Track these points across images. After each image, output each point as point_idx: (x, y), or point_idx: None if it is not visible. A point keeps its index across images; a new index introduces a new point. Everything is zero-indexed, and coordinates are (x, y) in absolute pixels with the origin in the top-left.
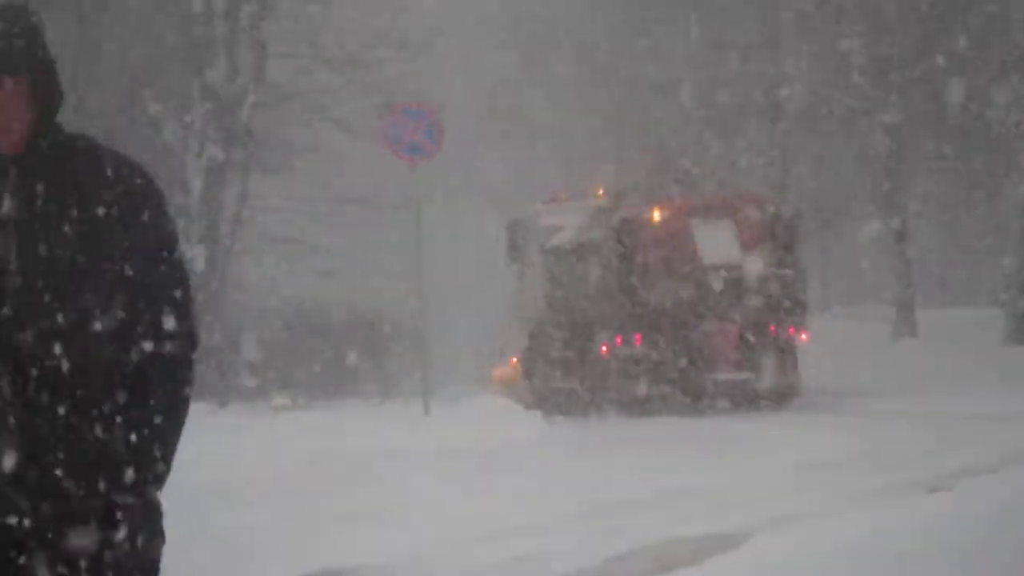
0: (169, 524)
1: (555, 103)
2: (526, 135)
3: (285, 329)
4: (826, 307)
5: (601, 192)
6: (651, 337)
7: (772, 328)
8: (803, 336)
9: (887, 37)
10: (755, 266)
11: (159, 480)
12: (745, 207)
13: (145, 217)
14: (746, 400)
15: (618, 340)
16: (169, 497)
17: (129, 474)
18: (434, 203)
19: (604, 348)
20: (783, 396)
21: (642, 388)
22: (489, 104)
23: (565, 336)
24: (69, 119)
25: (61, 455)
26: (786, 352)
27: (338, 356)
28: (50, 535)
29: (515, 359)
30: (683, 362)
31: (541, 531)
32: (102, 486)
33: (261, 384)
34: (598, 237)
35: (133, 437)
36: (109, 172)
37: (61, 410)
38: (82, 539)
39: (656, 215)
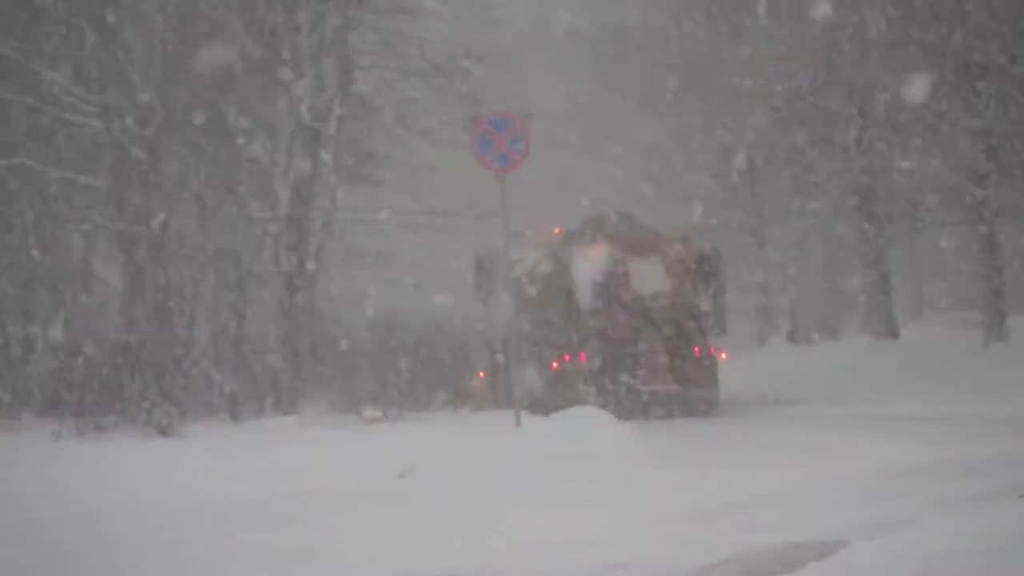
0: (263, 534)
1: (643, 113)
2: (614, 145)
3: (375, 342)
4: (917, 314)
5: (557, 231)
6: (593, 355)
7: (695, 348)
8: (723, 355)
9: (978, 41)
10: (680, 295)
11: None
12: (673, 245)
13: None
14: (674, 408)
15: (566, 357)
16: (263, 507)
17: None
18: (523, 213)
19: (554, 364)
20: (706, 405)
21: (586, 398)
22: (577, 114)
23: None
24: (158, 135)
25: None
26: (707, 368)
27: (427, 369)
28: None
29: (482, 373)
30: (620, 376)
31: (628, 539)
32: None
33: (351, 397)
34: (551, 270)
35: None
36: None
37: None
38: None
39: (596, 251)
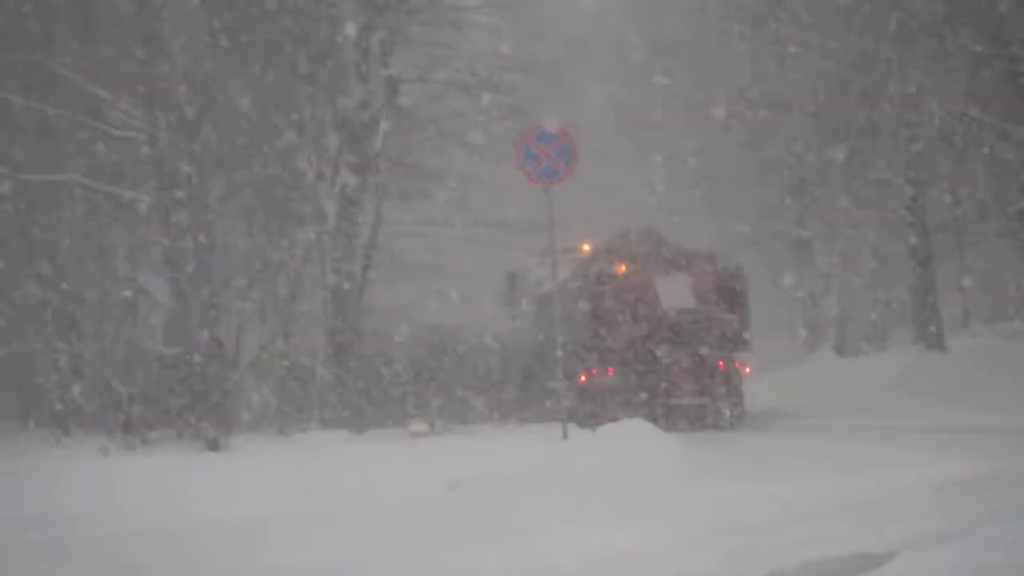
0: (311, 546)
1: (689, 125)
2: (660, 157)
3: (421, 355)
4: (965, 325)
5: (586, 248)
6: (620, 369)
7: (720, 363)
8: (747, 370)
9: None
10: (705, 311)
11: None
12: (698, 262)
13: None
14: (699, 422)
15: (594, 371)
16: (309, 522)
17: None
18: (569, 226)
19: (582, 378)
20: (731, 418)
21: (614, 411)
22: (623, 127)
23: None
24: (203, 150)
25: None
26: (732, 382)
27: (475, 382)
28: None
29: None
30: (646, 390)
31: (675, 554)
32: None
33: (398, 411)
34: (579, 286)
35: None
36: None
37: None
38: None
39: (623, 268)
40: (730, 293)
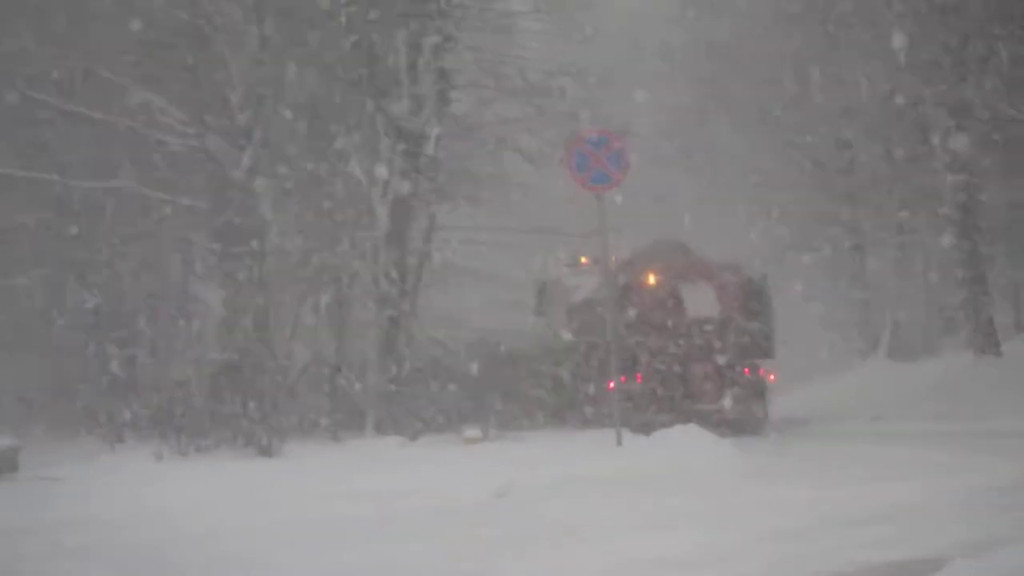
0: (359, 551)
1: (740, 130)
2: (712, 163)
3: (473, 360)
4: (1020, 329)
5: (613, 259)
6: (647, 376)
7: (745, 369)
8: (771, 377)
9: None
10: (730, 320)
11: None
12: (723, 272)
13: None
14: (721, 426)
15: (622, 379)
16: (361, 525)
17: None
18: (621, 232)
19: (611, 385)
20: (755, 424)
21: (640, 416)
22: (673, 131)
23: (581, 375)
24: (256, 157)
25: None
26: (756, 388)
27: (528, 387)
28: None
29: None
30: (673, 395)
31: (728, 559)
32: None
33: (451, 417)
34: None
35: None
36: None
37: None
38: None
39: (651, 278)
40: (754, 303)
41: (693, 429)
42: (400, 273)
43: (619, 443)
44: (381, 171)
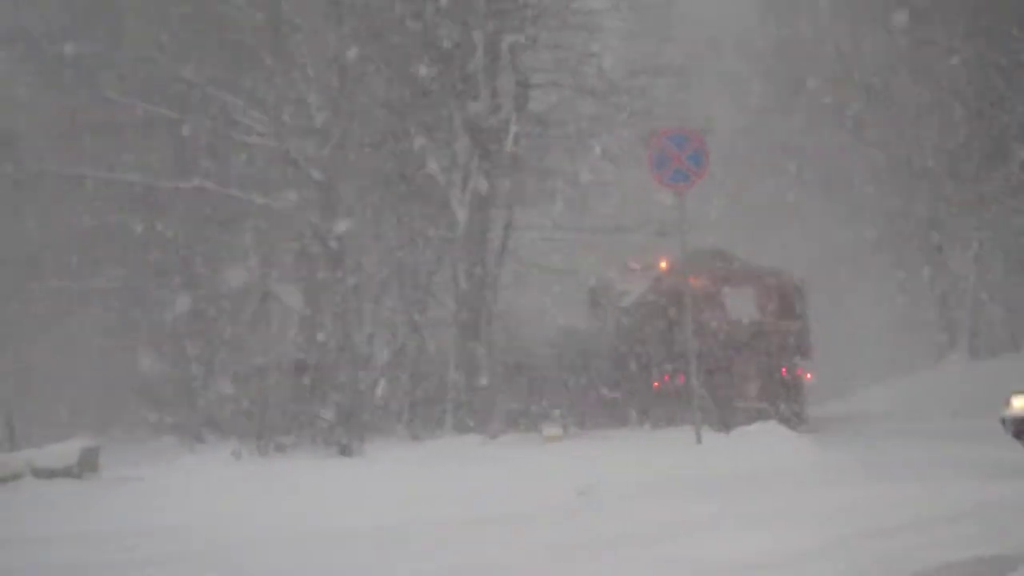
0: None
1: (818, 129)
2: (790, 161)
3: (554, 358)
4: None
5: (664, 264)
6: (690, 375)
7: (783, 369)
8: (808, 376)
9: None
10: (769, 322)
11: None
12: (764, 277)
13: None
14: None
15: (666, 377)
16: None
17: None
18: (700, 230)
19: (656, 383)
20: (793, 420)
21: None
22: (753, 130)
23: (631, 374)
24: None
25: None
26: (794, 388)
27: (608, 386)
28: None
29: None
30: (716, 393)
31: (812, 559)
32: None
33: (531, 414)
34: (655, 299)
35: None
36: None
37: None
38: None
39: (695, 283)
40: (793, 305)
41: (773, 427)
42: (479, 272)
43: (699, 441)
44: (459, 170)
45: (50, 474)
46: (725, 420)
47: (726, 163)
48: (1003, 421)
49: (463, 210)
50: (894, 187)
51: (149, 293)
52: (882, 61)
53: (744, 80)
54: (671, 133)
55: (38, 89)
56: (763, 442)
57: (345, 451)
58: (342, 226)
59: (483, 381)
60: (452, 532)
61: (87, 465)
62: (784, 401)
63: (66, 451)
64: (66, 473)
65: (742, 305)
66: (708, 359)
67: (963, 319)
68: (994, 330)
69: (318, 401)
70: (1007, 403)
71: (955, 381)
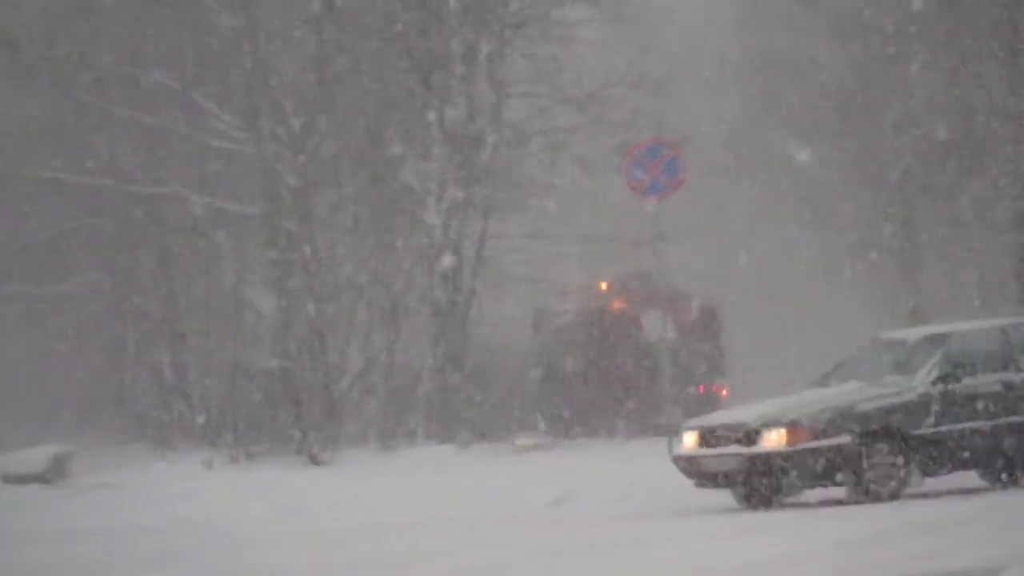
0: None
1: (796, 139)
2: (767, 171)
3: (527, 368)
4: None
5: (603, 287)
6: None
7: (700, 387)
8: (724, 393)
9: None
10: (684, 342)
11: None
12: (680, 300)
13: None
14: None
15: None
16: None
17: None
18: (675, 239)
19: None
20: None
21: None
22: (729, 141)
23: (561, 385)
24: (310, 162)
25: None
26: (709, 403)
27: (582, 396)
28: None
29: None
30: (636, 409)
31: (787, 568)
32: None
33: (505, 424)
34: (583, 320)
35: None
36: None
37: None
38: None
39: (616, 306)
40: (706, 327)
41: None
42: (454, 281)
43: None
44: (435, 179)
45: (21, 479)
46: (651, 433)
47: (703, 172)
48: (675, 460)
49: (438, 219)
50: (868, 200)
51: (122, 299)
52: (858, 74)
53: (722, 90)
54: (647, 144)
55: (12, 91)
56: None
57: (316, 460)
58: (316, 234)
59: (456, 391)
60: (419, 537)
61: (58, 471)
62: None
63: (37, 457)
64: (37, 479)
65: (658, 326)
66: (625, 377)
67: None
68: None
69: (290, 410)
70: (680, 439)
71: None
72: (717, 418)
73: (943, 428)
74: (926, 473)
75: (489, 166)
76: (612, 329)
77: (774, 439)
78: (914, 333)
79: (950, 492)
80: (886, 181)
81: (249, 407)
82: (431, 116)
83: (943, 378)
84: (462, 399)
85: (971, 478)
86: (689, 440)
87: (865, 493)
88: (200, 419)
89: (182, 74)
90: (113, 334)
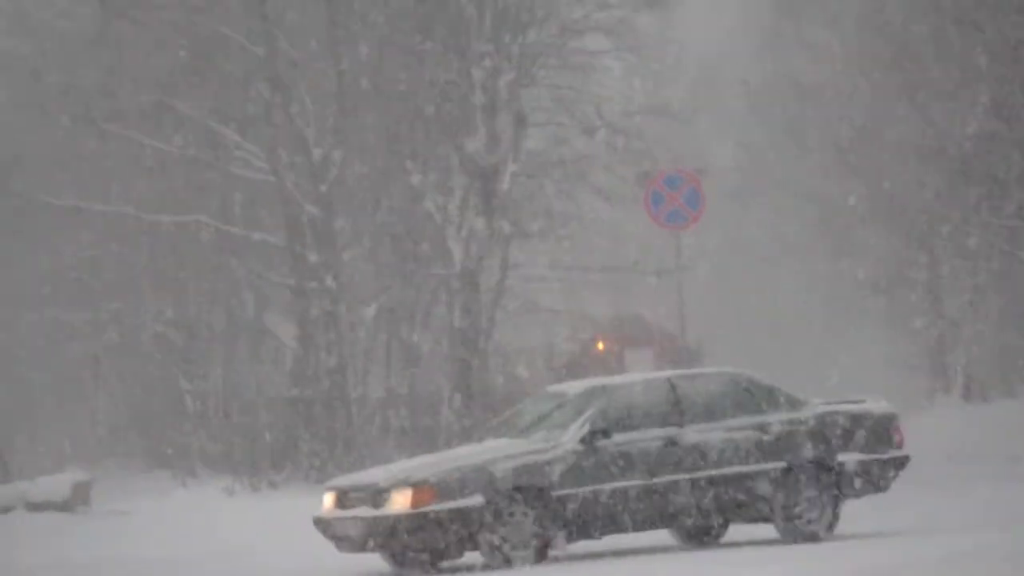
0: None
1: (815, 168)
2: (787, 199)
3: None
4: None
5: (600, 345)
6: None
7: None
8: None
9: None
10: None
11: None
12: (662, 340)
13: None
14: None
15: None
16: None
17: None
18: (696, 269)
19: None
20: None
21: None
22: (750, 168)
23: None
24: (332, 191)
25: None
26: None
27: None
28: None
29: None
30: None
31: None
32: None
33: None
34: (579, 359)
35: None
36: None
37: None
38: None
39: (600, 345)
40: (685, 364)
41: None
42: (475, 310)
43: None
44: (455, 208)
45: (42, 507)
46: None
47: (723, 200)
48: (314, 522)
49: (459, 247)
50: (889, 229)
51: (145, 327)
52: (878, 102)
53: (742, 118)
54: (667, 174)
55: (34, 120)
56: None
57: None
58: (338, 262)
59: (478, 419)
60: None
61: (79, 498)
62: None
63: (58, 484)
64: (58, 506)
65: (639, 364)
66: None
67: (957, 362)
68: (988, 373)
69: (311, 438)
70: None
71: (949, 424)
72: (356, 478)
73: (591, 488)
74: (573, 537)
75: (509, 195)
76: (597, 366)
77: (400, 501)
78: (576, 386)
79: (603, 555)
80: (907, 210)
81: (271, 435)
82: (452, 145)
83: (593, 434)
84: (483, 427)
85: (642, 539)
86: (327, 500)
87: (499, 562)
88: (221, 447)
89: (203, 103)
90: (135, 362)
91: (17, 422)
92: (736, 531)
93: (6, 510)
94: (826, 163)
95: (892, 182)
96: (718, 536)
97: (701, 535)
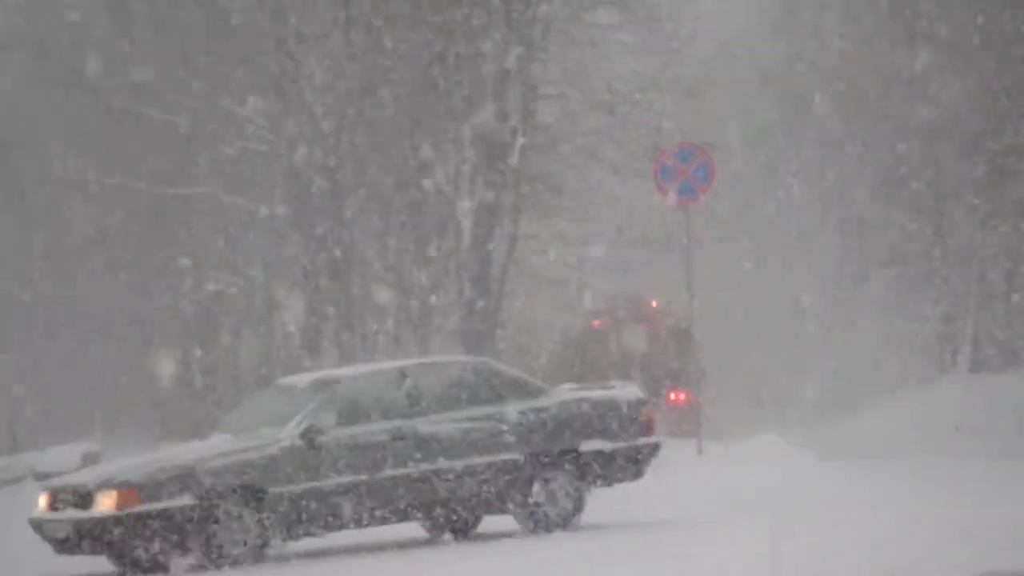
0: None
1: (824, 145)
2: (795, 176)
3: (559, 371)
4: None
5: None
6: None
7: (668, 394)
8: (702, 402)
9: None
10: (658, 353)
11: None
12: (656, 320)
13: None
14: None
15: None
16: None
17: None
18: (705, 244)
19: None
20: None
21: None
22: (760, 144)
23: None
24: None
25: None
26: (683, 411)
27: None
28: None
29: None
30: None
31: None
32: None
33: None
34: (577, 336)
35: None
36: None
37: None
38: None
39: (596, 323)
40: (678, 340)
41: (773, 440)
42: (483, 284)
43: (700, 453)
44: (465, 181)
45: (52, 477)
46: None
47: (733, 176)
48: (30, 523)
49: (469, 222)
50: (897, 204)
51: (153, 299)
52: (888, 80)
53: (752, 95)
54: (677, 148)
55: (43, 94)
56: (763, 455)
57: None
58: (347, 235)
59: None
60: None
61: None
62: (676, 423)
63: (68, 455)
64: None
65: (635, 341)
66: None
67: (965, 336)
68: (996, 347)
69: None
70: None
71: (955, 398)
72: (70, 478)
73: (311, 485)
74: (291, 535)
75: (518, 169)
76: (596, 343)
77: (105, 503)
78: (305, 378)
79: (333, 551)
80: (914, 187)
81: None
82: (461, 118)
83: (312, 429)
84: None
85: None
86: (41, 501)
87: (214, 562)
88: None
89: (212, 77)
90: (144, 333)
91: (27, 394)
92: (492, 521)
93: (16, 480)
94: (834, 139)
95: (900, 158)
96: (469, 529)
97: (451, 528)
